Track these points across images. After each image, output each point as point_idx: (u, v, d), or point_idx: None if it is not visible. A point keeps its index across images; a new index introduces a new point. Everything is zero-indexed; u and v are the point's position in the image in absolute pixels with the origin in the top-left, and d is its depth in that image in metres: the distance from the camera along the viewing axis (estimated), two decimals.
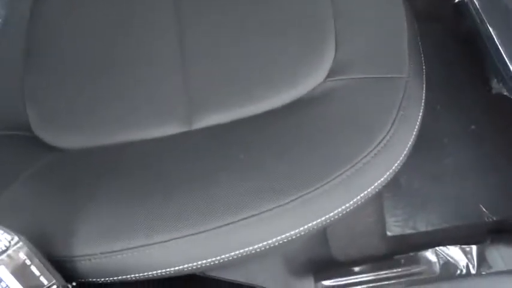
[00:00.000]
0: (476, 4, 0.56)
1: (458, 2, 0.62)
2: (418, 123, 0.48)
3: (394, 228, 0.71)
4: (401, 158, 0.46)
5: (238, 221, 0.42)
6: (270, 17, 0.54)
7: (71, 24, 0.59)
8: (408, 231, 0.71)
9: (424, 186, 0.72)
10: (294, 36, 0.53)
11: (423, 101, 0.49)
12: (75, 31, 0.58)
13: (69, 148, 0.52)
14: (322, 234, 0.70)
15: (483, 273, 0.65)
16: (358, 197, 0.43)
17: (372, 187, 0.44)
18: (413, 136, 0.47)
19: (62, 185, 0.48)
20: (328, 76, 0.50)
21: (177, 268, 0.42)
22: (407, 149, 0.46)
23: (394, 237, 0.71)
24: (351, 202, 0.43)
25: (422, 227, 0.71)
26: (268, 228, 0.42)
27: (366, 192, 0.44)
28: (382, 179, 0.44)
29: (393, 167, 0.45)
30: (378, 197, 0.71)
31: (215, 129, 0.50)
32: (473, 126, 0.75)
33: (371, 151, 0.44)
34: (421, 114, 0.48)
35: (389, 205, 0.72)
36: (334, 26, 0.52)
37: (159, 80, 0.53)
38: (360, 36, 0.52)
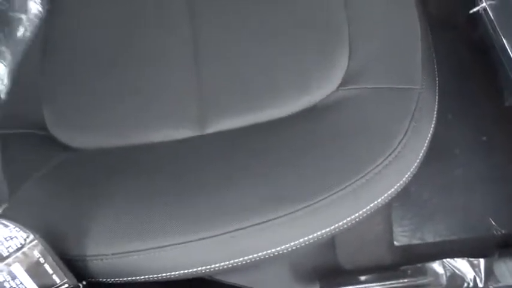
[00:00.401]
0: (491, 15, 0.56)
1: (473, 12, 0.61)
2: (429, 134, 0.48)
3: (402, 238, 0.71)
4: (412, 170, 0.46)
5: (248, 227, 0.42)
6: (284, 21, 0.54)
7: (85, 24, 0.59)
8: (415, 241, 0.70)
9: (433, 197, 0.72)
10: (308, 43, 0.53)
11: (435, 112, 0.49)
12: (89, 31, 0.59)
13: (84, 148, 0.52)
14: (329, 242, 0.70)
15: (490, 287, 0.64)
16: (368, 207, 0.44)
17: (382, 198, 0.44)
18: (424, 148, 0.47)
19: (75, 185, 0.48)
20: (340, 85, 0.50)
21: (186, 271, 0.43)
22: (418, 160, 0.46)
23: (401, 247, 0.70)
24: (361, 212, 0.43)
25: (430, 238, 0.70)
26: (277, 235, 0.42)
27: (375, 202, 0.44)
28: (392, 190, 0.44)
29: (404, 178, 0.45)
30: (386, 206, 0.70)
31: (228, 134, 0.50)
32: (484, 138, 0.75)
33: (382, 161, 0.44)
34: (433, 125, 0.48)
35: (397, 215, 0.71)
36: (348, 34, 0.52)
37: (173, 83, 0.54)
38: (374, 45, 0.52)
